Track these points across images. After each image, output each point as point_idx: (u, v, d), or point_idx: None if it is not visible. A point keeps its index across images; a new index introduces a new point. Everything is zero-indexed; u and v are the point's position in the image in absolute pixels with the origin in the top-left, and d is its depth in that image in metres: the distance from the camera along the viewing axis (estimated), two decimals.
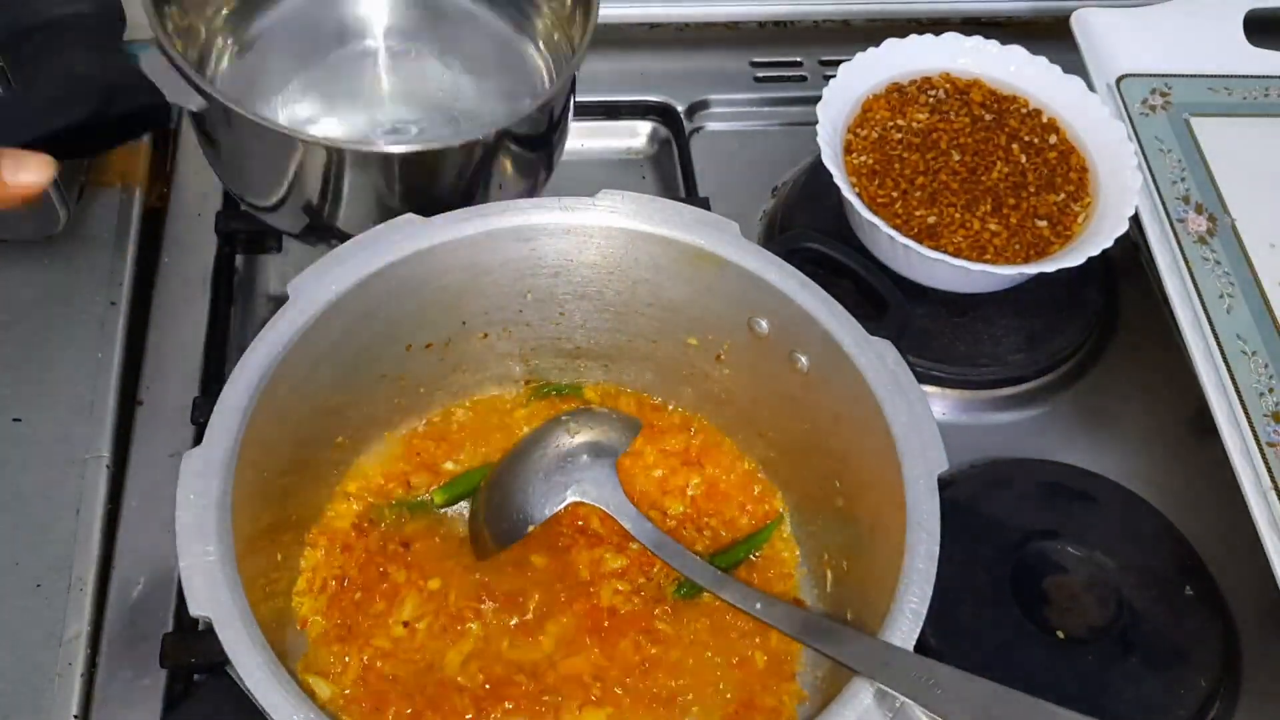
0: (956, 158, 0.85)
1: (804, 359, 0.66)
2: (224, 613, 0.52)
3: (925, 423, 0.60)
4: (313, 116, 0.81)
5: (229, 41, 0.79)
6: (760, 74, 1.02)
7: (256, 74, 0.80)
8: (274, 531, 0.65)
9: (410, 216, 0.66)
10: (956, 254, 0.78)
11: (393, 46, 0.84)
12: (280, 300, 0.63)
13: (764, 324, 0.67)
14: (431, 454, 0.73)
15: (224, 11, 0.79)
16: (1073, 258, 0.77)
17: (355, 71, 0.83)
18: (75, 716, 0.65)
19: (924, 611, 0.54)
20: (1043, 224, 0.82)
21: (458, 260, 0.67)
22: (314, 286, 0.63)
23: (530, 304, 0.72)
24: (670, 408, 0.76)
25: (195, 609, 0.52)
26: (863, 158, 0.84)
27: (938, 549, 0.56)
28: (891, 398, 0.61)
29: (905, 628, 0.55)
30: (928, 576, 0.55)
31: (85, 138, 0.63)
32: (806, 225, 0.73)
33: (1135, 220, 0.81)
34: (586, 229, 0.68)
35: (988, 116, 0.87)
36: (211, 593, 0.53)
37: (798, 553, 0.71)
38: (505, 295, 0.71)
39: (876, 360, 0.62)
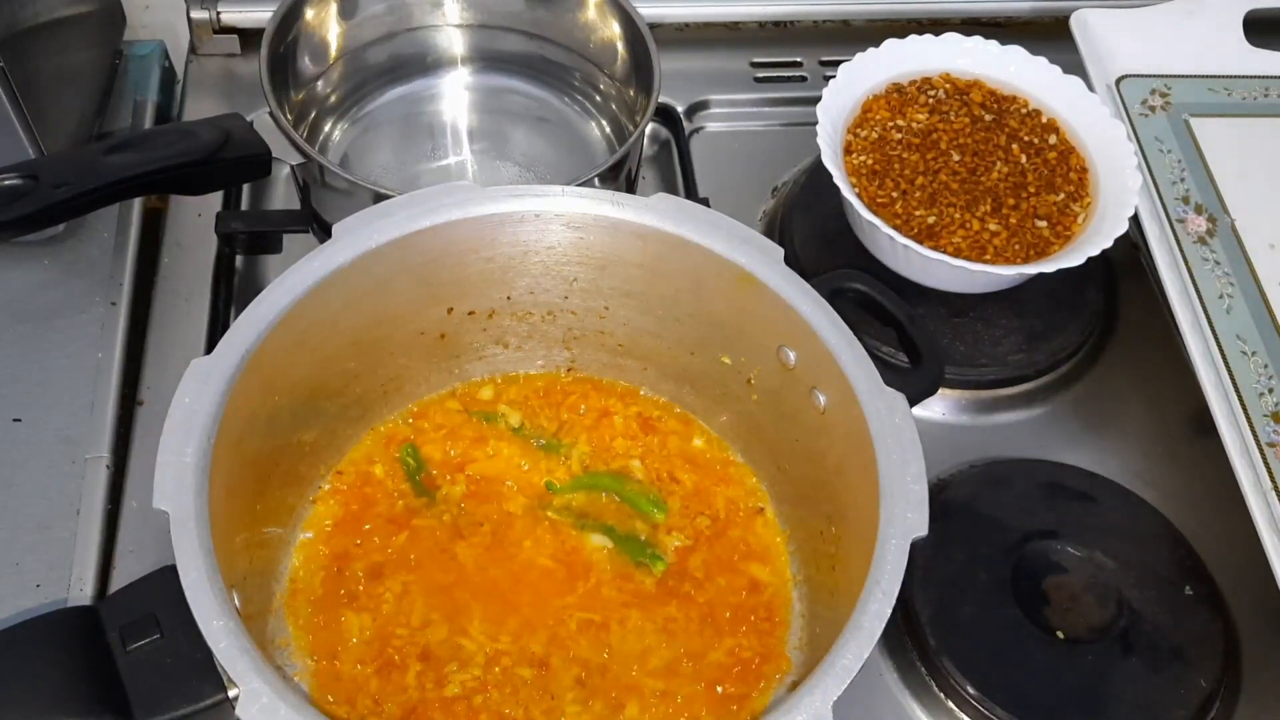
0: (956, 158, 0.85)
1: (822, 398, 0.65)
2: (182, 511, 0.53)
3: (915, 484, 0.57)
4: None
5: (335, 120, 0.92)
6: (760, 74, 1.02)
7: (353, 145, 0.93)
8: (277, 459, 0.65)
9: (465, 184, 0.66)
10: (956, 254, 0.78)
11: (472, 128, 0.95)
12: None
13: (792, 355, 0.66)
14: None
15: (332, 99, 0.91)
16: (1073, 258, 0.77)
17: (439, 154, 0.92)
18: None
19: (856, 668, 0.52)
20: (1042, 224, 0.82)
21: (505, 235, 0.67)
22: (358, 231, 0.63)
23: (576, 292, 0.72)
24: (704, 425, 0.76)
25: (157, 501, 0.54)
26: (863, 158, 0.84)
27: (889, 611, 0.54)
28: (888, 452, 0.58)
29: (830, 683, 0.52)
30: (871, 636, 0.53)
31: (199, 176, 0.75)
32: (854, 265, 0.72)
33: (1135, 220, 0.81)
34: (634, 227, 0.67)
35: (988, 117, 0.87)
36: (176, 490, 0.54)
37: (793, 597, 0.69)
38: (552, 279, 0.71)
39: (885, 411, 0.60)
